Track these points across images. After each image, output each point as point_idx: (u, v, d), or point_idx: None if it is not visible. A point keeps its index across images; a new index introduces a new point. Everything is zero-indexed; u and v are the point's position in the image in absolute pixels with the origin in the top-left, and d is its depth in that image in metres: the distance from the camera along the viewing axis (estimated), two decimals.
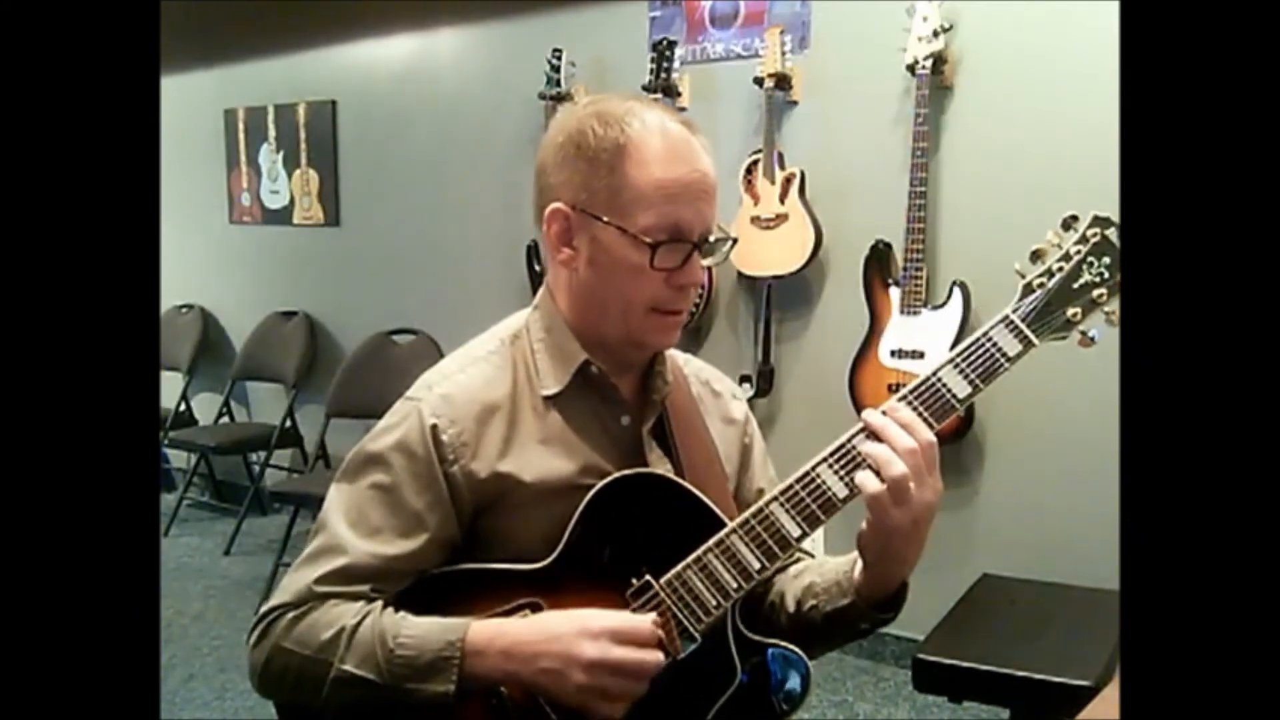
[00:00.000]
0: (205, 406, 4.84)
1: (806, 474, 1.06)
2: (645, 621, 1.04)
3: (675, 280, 1.09)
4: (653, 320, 1.12)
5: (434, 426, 1.10)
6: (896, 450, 1.01)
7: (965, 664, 1.86)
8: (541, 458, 1.12)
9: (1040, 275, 1.06)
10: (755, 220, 3.08)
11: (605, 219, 1.08)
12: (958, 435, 2.82)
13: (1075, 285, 1.05)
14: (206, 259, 4.96)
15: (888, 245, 2.88)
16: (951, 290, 2.78)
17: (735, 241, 1.20)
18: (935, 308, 2.80)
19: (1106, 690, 1.10)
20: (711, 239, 1.12)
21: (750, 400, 3.18)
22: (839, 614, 1.13)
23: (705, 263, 1.12)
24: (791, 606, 1.18)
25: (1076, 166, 2.63)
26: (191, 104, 4.82)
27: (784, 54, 3.04)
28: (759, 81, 3.07)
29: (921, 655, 1.90)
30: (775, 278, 3.11)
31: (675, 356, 1.26)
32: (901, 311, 2.83)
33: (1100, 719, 1.02)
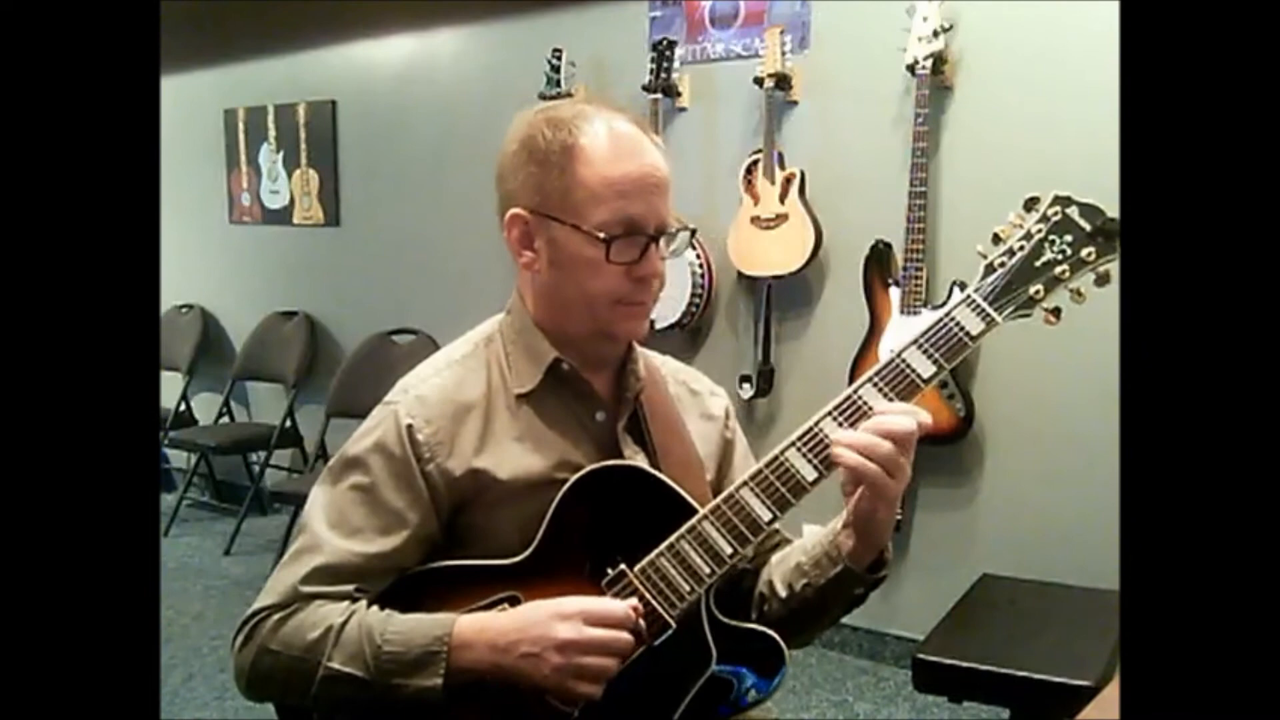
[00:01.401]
0: (205, 406, 4.84)
1: (775, 458, 1.10)
2: (617, 603, 1.07)
3: (634, 273, 1.13)
4: (618, 311, 1.15)
5: (409, 426, 1.13)
6: (896, 435, 1.05)
7: (965, 664, 1.86)
8: (516, 454, 1.14)
9: (1001, 255, 1.09)
10: (755, 220, 3.08)
11: (560, 219, 1.11)
12: (958, 435, 2.81)
13: (1037, 263, 1.08)
14: (206, 259, 4.95)
15: (888, 245, 2.88)
16: (951, 290, 2.78)
17: (694, 231, 1.25)
18: (935, 308, 2.79)
19: (1106, 690, 1.10)
20: (671, 230, 1.15)
21: (750, 400, 3.19)
22: (832, 585, 1.15)
23: (664, 253, 1.15)
24: (783, 591, 1.20)
25: (1076, 167, 2.62)
26: (191, 104, 4.82)
27: (784, 54, 3.04)
28: (759, 81, 3.07)
29: (921, 655, 1.90)
30: (775, 278, 3.10)
31: (652, 358, 1.29)
32: (901, 311, 2.83)
33: (1100, 719, 1.02)
